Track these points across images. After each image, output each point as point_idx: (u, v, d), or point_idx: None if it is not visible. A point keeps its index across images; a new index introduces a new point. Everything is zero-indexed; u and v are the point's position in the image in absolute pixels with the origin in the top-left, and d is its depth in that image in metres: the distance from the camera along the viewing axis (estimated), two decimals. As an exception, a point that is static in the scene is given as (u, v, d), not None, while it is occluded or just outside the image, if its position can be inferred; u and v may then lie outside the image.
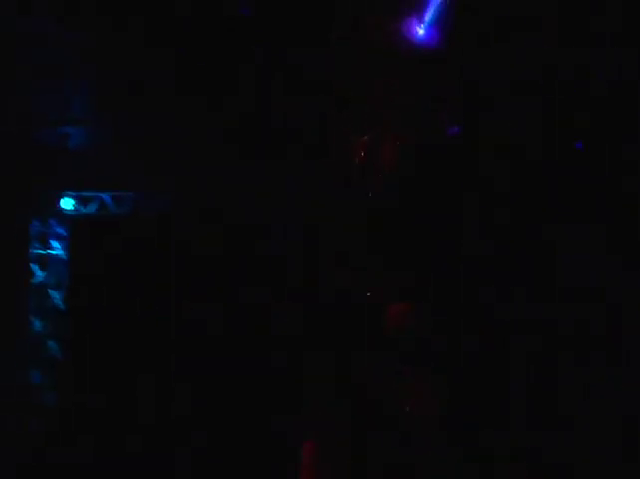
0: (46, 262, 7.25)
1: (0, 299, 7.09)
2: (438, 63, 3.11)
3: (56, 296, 7.25)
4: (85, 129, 6.81)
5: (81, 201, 7.24)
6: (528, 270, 7.74)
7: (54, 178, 6.99)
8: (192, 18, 5.84)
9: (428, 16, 3.14)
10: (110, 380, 7.05)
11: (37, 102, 6.56)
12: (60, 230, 7.26)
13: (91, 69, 6.22)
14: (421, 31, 3.12)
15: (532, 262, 7.65)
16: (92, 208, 7.23)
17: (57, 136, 6.78)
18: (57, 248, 7.29)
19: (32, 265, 7.22)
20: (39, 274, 7.26)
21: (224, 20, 5.85)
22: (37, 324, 7.17)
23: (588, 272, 7.50)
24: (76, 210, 7.20)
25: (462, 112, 6.23)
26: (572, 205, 7.01)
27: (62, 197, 7.14)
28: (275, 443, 6.69)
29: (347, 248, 3.10)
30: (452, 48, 3.14)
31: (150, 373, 6.99)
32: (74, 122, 6.71)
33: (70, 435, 6.92)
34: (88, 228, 7.18)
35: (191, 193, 6.89)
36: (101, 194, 7.21)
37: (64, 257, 7.26)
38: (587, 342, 7.40)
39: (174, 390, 6.87)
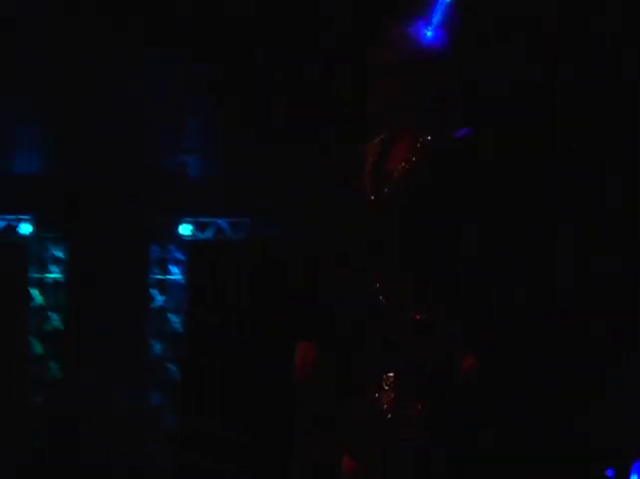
0: (165, 287, 7.46)
1: (122, 323, 7.29)
2: (446, 65, 3.10)
3: (175, 320, 7.44)
4: (203, 157, 7.06)
5: (199, 227, 7.47)
6: (529, 271, 7.74)
7: (173, 205, 7.23)
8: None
9: (436, 18, 3.12)
10: (227, 403, 7.17)
11: (157, 132, 6.77)
12: (178, 255, 7.49)
13: (207, 99, 6.39)
14: (429, 33, 3.10)
15: (533, 263, 7.64)
16: (209, 234, 7.47)
17: (176, 164, 6.98)
18: (176, 273, 7.50)
19: (152, 290, 7.44)
20: (159, 299, 7.47)
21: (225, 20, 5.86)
22: (157, 347, 7.38)
23: (588, 272, 7.50)
24: (194, 236, 7.44)
25: (470, 112, 6.25)
26: (572, 204, 7.01)
27: (180, 223, 7.37)
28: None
29: (349, 249, 3.10)
30: (458, 49, 3.13)
31: (266, 395, 7.10)
32: (192, 151, 6.93)
33: (188, 456, 7.04)
34: (205, 253, 7.40)
35: (304, 220, 6.88)
36: (218, 220, 7.43)
37: (182, 282, 7.48)
38: (587, 343, 7.40)
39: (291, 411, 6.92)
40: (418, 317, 2.93)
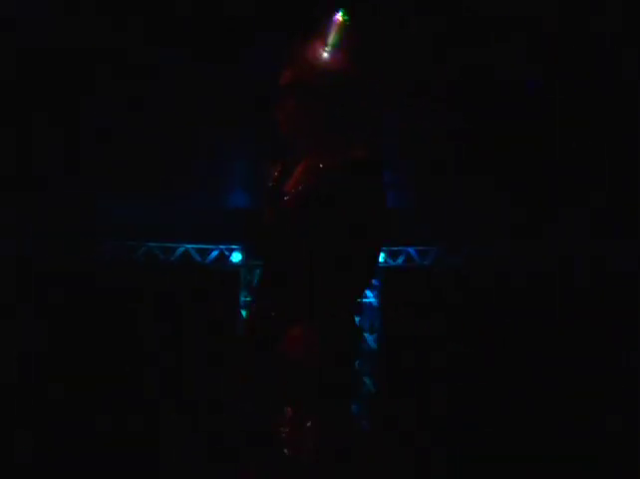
0: (361, 309, 8.15)
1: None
2: (344, 85, 3.08)
3: (370, 339, 8.14)
4: (394, 192, 7.51)
5: (391, 254, 8.21)
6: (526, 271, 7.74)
7: None
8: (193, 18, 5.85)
9: (332, 39, 3.09)
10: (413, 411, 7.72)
11: None
12: (373, 280, 8.03)
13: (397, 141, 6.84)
14: (326, 54, 3.09)
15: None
16: (400, 260, 8.21)
17: None
18: (370, 296, 8.21)
19: None
20: (355, 319, 8.02)
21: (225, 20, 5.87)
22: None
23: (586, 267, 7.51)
24: (386, 262, 8.17)
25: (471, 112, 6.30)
26: (572, 204, 7.01)
27: None
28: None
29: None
30: (360, 70, 3.10)
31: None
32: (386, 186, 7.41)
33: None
34: (397, 278, 8.16)
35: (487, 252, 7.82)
36: (408, 248, 8.18)
37: (376, 304, 8.21)
38: (587, 343, 7.41)
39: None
40: (300, 330, 2.95)
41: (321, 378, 2.93)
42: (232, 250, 8.58)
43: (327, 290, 2.95)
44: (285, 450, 2.90)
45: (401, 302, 7.92)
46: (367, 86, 3.14)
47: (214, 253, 8.53)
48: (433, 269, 8.04)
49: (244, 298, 8.46)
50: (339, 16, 3.06)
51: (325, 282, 2.95)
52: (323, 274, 2.96)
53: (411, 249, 8.19)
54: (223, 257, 8.59)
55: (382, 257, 8.13)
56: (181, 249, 8.48)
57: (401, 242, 8.13)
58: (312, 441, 2.89)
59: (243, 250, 8.57)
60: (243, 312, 8.32)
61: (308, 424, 2.90)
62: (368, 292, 8.18)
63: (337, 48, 3.05)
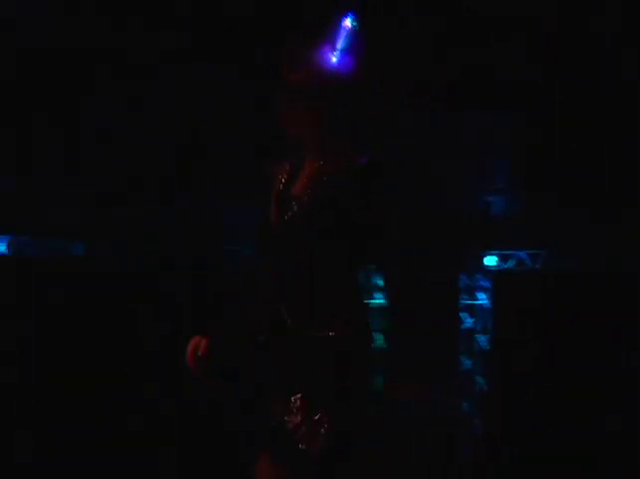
0: (473, 311, 8.36)
1: (436, 342, 8.08)
2: (351, 90, 3.09)
3: (482, 339, 8.33)
4: (503, 197, 7.93)
5: (502, 258, 8.41)
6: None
7: (480, 240, 8.19)
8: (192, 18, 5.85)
9: (340, 43, 3.10)
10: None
11: (472, 179, 7.64)
12: (485, 283, 8.42)
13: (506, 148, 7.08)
14: (334, 59, 3.10)
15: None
16: (511, 264, 8.39)
17: (482, 204, 7.87)
18: (482, 299, 8.39)
19: (462, 314, 8.36)
20: (468, 321, 8.38)
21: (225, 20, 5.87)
22: (467, 363, 8.28)
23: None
24: (498, 266, 8.38)
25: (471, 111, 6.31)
26: (572, 204, 7.01)
27: (486, 256, 8.39)
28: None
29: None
30: (366, 74, 3.11)
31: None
32: (495, 191, 7.80)
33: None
34: (509, 281, 8.35)
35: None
36: (519, 252, 8.33)
37: (488, 306, 8.38)
38: (587, 343, 7.41)
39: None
40: (328, 334, 2.93)
41: (324, 381, 2.92)
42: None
43: (327, 291, 2.94)
44: (295, 440, 2.89)
45: (513, 305, 8.04)
46: (372, 89, 3.14)
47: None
48: (544, 273, 8.13)
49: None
50: (347, 21, 3.06)
51: (325, 283, 2.95)
52: (323, 275, 2.95)
53: (522, 253, 8.32)
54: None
55: (494, 261, 8.35)
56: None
57: (512, 246, 8.32)
58: (322, 432, 2.89)
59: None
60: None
61: (317, 416, 2.89)
62: (480, 295, 8.37)
63: (344, 53, 3.05)
